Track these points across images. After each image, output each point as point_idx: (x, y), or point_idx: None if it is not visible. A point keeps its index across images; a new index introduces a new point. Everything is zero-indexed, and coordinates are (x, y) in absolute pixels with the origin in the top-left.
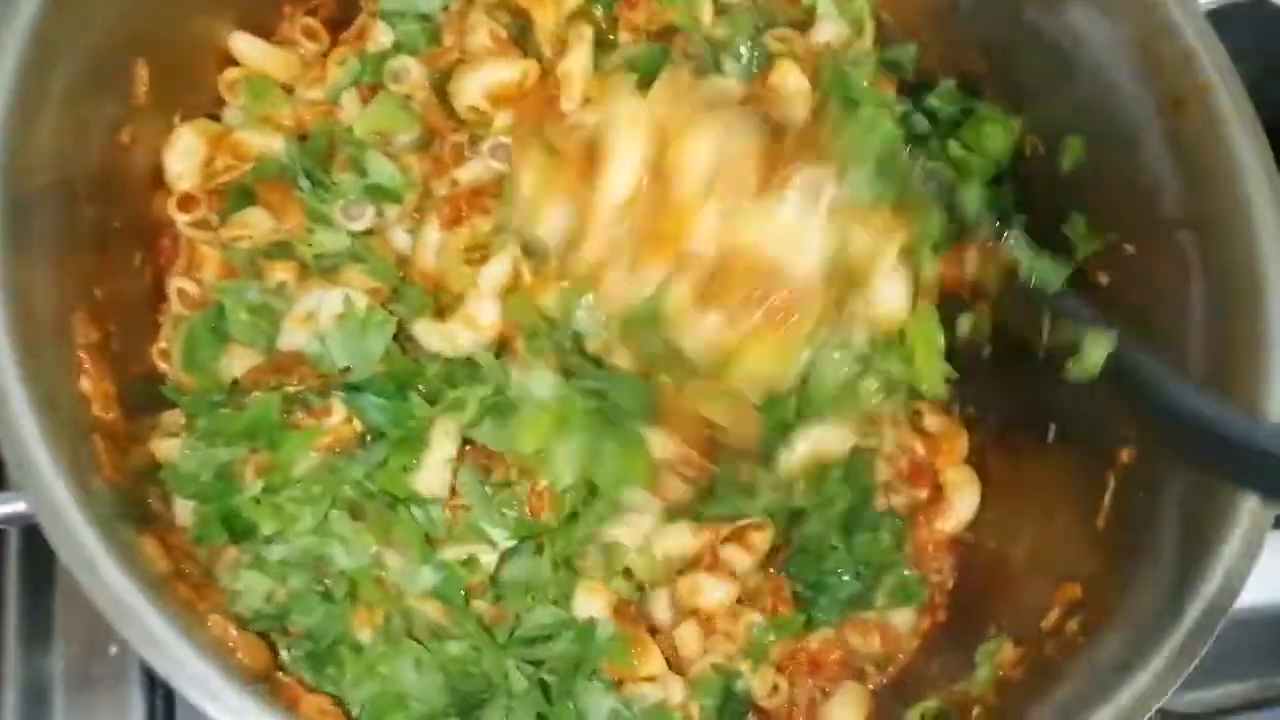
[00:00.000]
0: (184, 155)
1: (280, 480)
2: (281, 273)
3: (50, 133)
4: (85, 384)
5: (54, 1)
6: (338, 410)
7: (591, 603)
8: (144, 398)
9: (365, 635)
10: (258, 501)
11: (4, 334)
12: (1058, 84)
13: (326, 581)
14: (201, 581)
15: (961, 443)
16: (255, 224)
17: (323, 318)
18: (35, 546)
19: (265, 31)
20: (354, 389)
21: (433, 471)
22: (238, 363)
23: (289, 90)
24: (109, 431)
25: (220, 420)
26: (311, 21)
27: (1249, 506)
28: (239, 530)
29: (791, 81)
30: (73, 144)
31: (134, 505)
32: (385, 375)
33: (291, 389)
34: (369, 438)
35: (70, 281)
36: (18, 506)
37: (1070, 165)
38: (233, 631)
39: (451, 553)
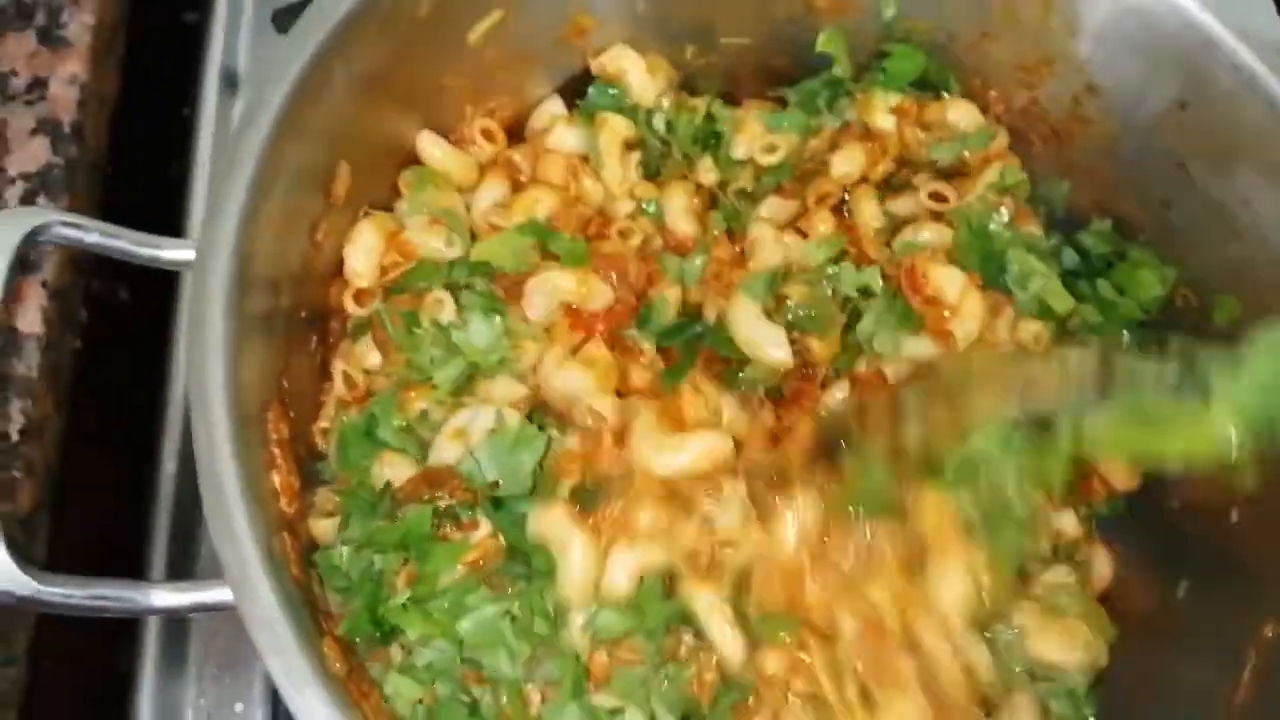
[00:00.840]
0: (365, 251)
1: (427, 591)
2: (419, 401)
3: (267, 233)
4: (276, 478)
5: (284, 119)
6: (484, 525)
7: None
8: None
9: None
10: (405, 608)
11: (225, 429)
12: (1219, 243)
13: (474, 691)
14: (365, 682)
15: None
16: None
17: (474, 433)
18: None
19: (446, 131)
20: (499, 503)
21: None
22: (388, 470)
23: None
24: (293, 527)
25: (375, 531)
26: (489, 123)
27: None
28: (386, 630)
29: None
30: (283, 243)
31: (308, 603)
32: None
33: (443, 503)
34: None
35: (269, 374)
36: (226, 594)
37: (1223, 321)
38: None
39: (602, 699)
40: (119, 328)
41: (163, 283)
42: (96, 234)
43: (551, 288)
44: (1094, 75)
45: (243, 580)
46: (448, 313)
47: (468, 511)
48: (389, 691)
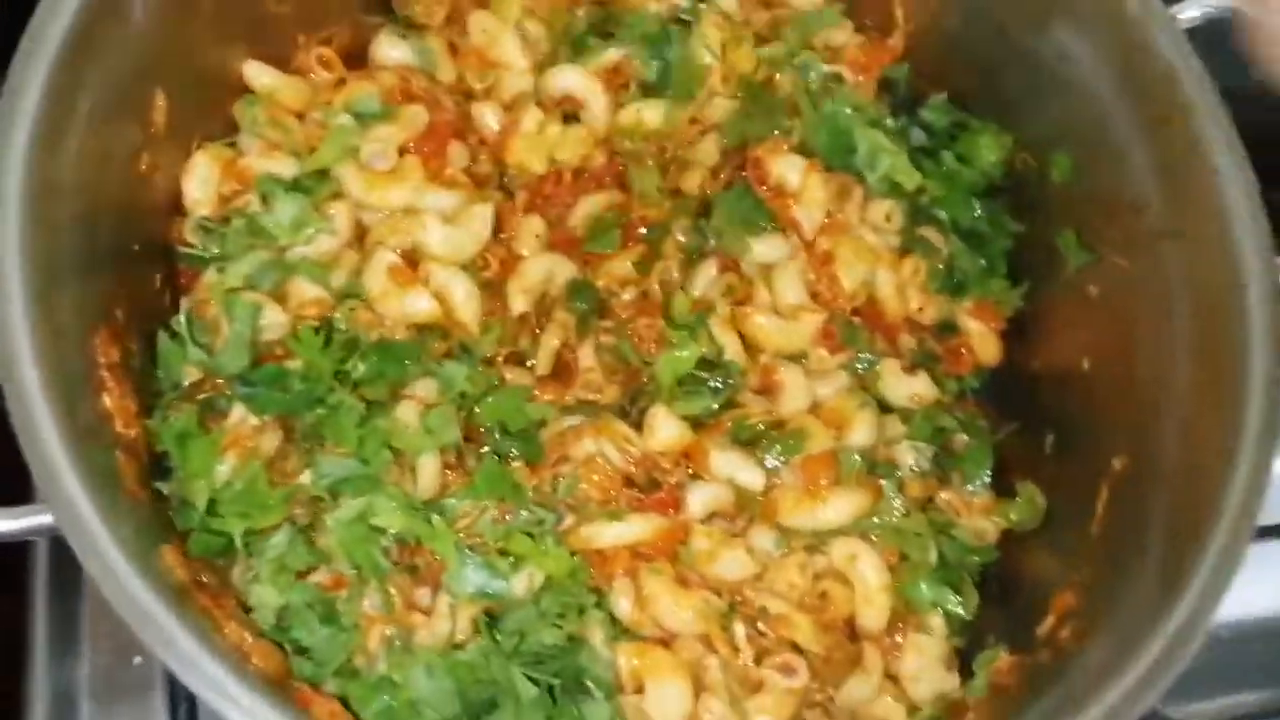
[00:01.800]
0: (201, 182)
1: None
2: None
3: (73, 161)
4: (107, 401)
5: (76, 35)
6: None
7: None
8: None
9: (374, 642)
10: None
11: (29, 353)
12: (1046, 101)
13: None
14: (219, 591)
15: None
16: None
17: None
18: (64, 557)
19: (280, 62)
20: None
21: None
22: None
23: (300, 117)
24: (131, 447)
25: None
26: (325, 51)
27: (1229, 515)
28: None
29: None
30: (94, 172)
31: (155, 517)
32: None
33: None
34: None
35: (92, 303)
36: (44, 519)
37: (1059, 179)
38: (248, 638)
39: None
40: None
41: None
42: None
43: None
44: None
45: (60, 498)
46: (254, 203)
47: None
48: (253, 603)
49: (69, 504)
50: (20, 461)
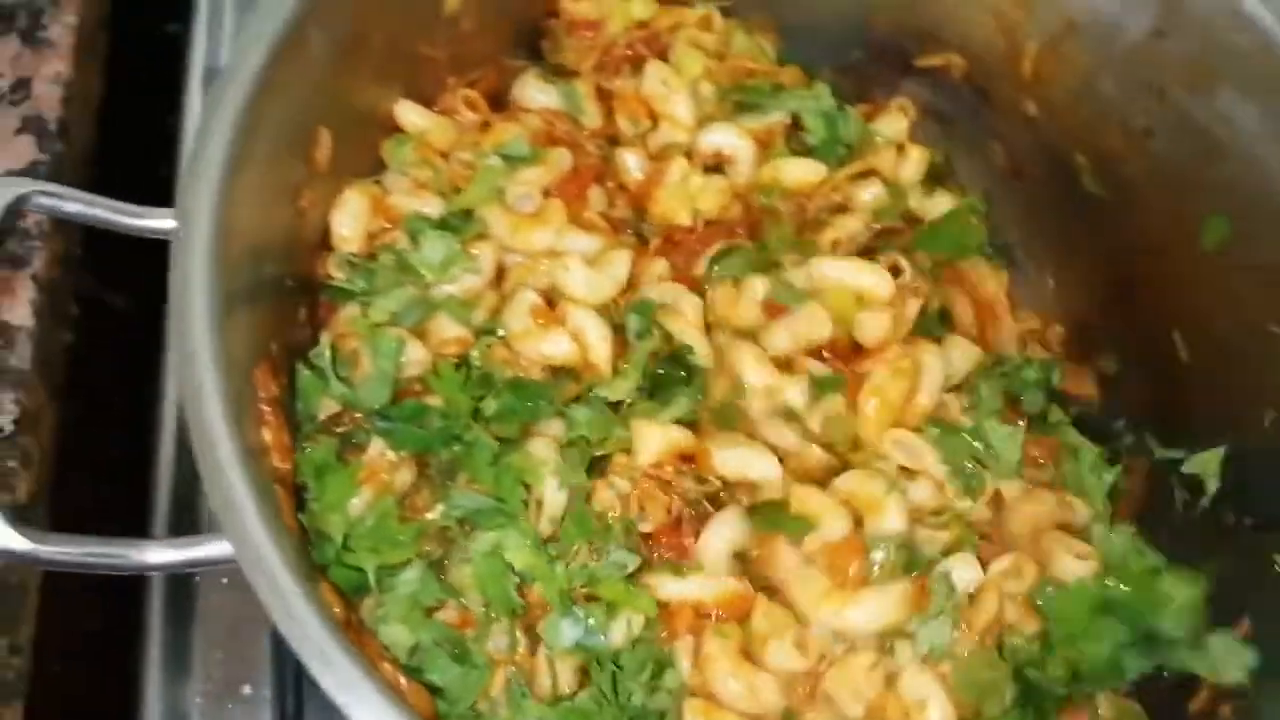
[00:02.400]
0: (351, 218)
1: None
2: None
3: (248, 199)
4: (267, 435)
5: (262, 77)
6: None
7: None
8: None
9: (498, 686)
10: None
11: (213, 386)
12: (1202, 165)
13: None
14: (361, 628)
15: None
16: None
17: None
18: (178, 589)
19: (426, 103)
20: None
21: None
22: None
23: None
24: (285, 480)
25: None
26: (471, 93)
27: None
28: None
29: None
30: (264, 209)
31: (305, 551)
32: None
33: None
34: None
35: (254, 337)
36: (221, 549)
37: (1211, 245)
38: (402, 680)
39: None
40: (111, 323)
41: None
42: (77, 203)
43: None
44: (1072, 12)
45: (238, 528)
46: (402, 240)
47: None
48: (386, 642)
49: (248, 536)
50: (140, 493)
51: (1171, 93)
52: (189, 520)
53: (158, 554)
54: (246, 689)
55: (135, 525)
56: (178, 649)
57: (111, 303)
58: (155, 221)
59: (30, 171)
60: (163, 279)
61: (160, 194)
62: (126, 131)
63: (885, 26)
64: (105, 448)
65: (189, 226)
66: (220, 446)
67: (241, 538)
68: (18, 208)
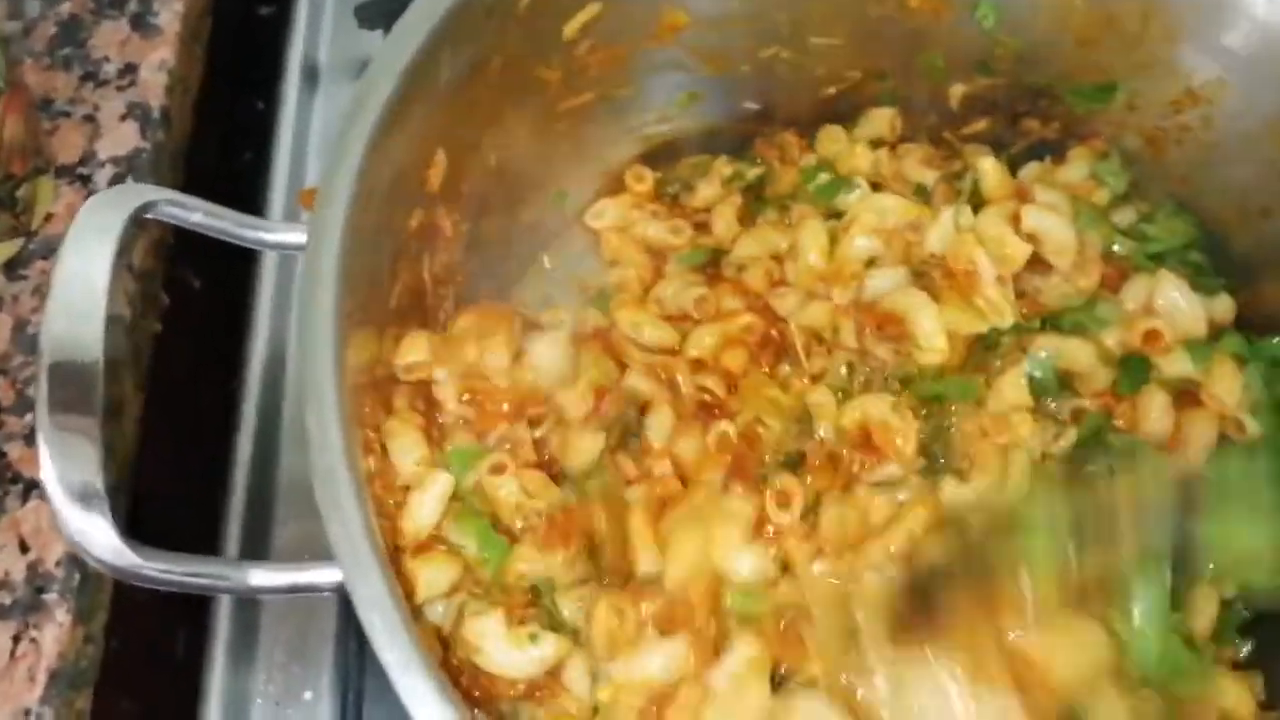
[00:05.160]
0: None
1: None
2: None
3: (371, 220)
4: (371, 463)
5: (394, 101)
6: None
7: None
8: None
9: None
10: None
11: (334, 412)
12: None
13: None
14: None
15: None
16: None
17: None
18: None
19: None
20: None
21: None
22: None
23: None
24: (383, 510)
25: None
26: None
27: None
28: None
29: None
30: (383, 232)
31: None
32: None
33: None
34: None
35: (368, 361)
36: (330, 575)
37: None
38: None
39: None
40: (194, 312)
41: (237, 268)
42: (200, 213)
43: None
44: (1196, 84)
45: (354, 562)
46: None
47: None
48: None
49: (361, 562)
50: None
51: None
52: (262, 532)
53: (260, 577)
54: (308, 694)
55: (209, 527)
56: (243, 649)
57: (189, 282)
58: (282, 235)
59: (133, 158)
60: (233, 259)
61: (248, 186)
62: (216, 115)
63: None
64: (185, 440)
65: (321, 243)
66: (340, 474)
67: (358, 572)
68: (141, 215)
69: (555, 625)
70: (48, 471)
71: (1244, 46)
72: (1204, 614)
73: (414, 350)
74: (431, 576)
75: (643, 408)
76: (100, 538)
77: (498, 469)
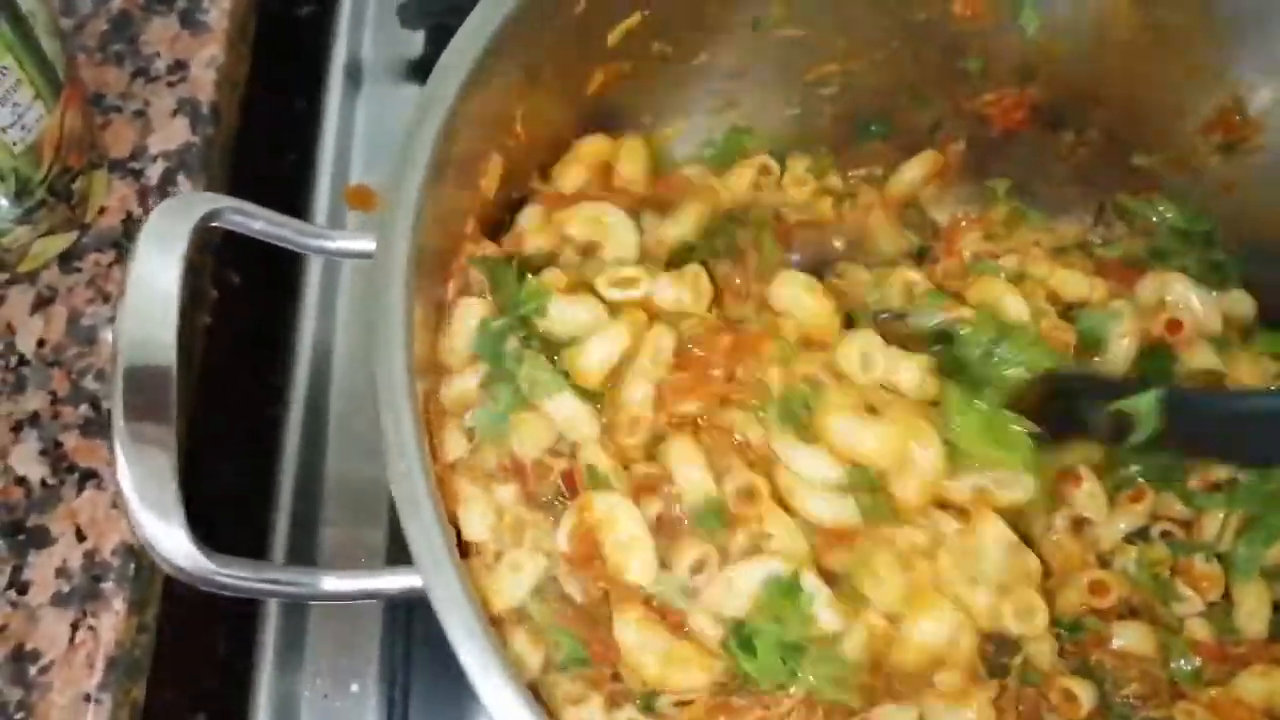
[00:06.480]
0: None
1: None
2: None
3: (429, 226)
4: (437, 468)
5: (458, 110)
6: None
7: None
8: None
9: None
10: None
11: (409, 416)
12: None
13: None
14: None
15: None
16: None
17: None
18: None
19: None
20: None
21: None
22: None
23: None
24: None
25: None
26: None
27: None
28: None
29: None
30: (441, 237)
31: None
32: None
33: None
34: None
35: (425, 367)
36: (404, 581)
37: None
38: None
39: None
40: (241, 308)
41: (281, 265)
42: (263, 222)
43: None
44: (1245, 93)
45: (435, 569)
46: None
47: None
48: None
49: (441, 567)
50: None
51: None
52: (309, 534)
53: (331, 584)
54: (355, 686)
55: (257, 527)
56: (292, 639)
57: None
58: (344, 243)
59: (183, 153)
60: (277, 256)
61: (286, 183)
62: (260, 114)
63: None
64: (230, 434)
65: (390, 250)
66: (417, 479)
67: (439, 576)
68: (207, 224)
69: None
70: (125, 481)
71: None
72: (1256, 616)
73: None
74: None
75: None
76: (176, 546)
77: None
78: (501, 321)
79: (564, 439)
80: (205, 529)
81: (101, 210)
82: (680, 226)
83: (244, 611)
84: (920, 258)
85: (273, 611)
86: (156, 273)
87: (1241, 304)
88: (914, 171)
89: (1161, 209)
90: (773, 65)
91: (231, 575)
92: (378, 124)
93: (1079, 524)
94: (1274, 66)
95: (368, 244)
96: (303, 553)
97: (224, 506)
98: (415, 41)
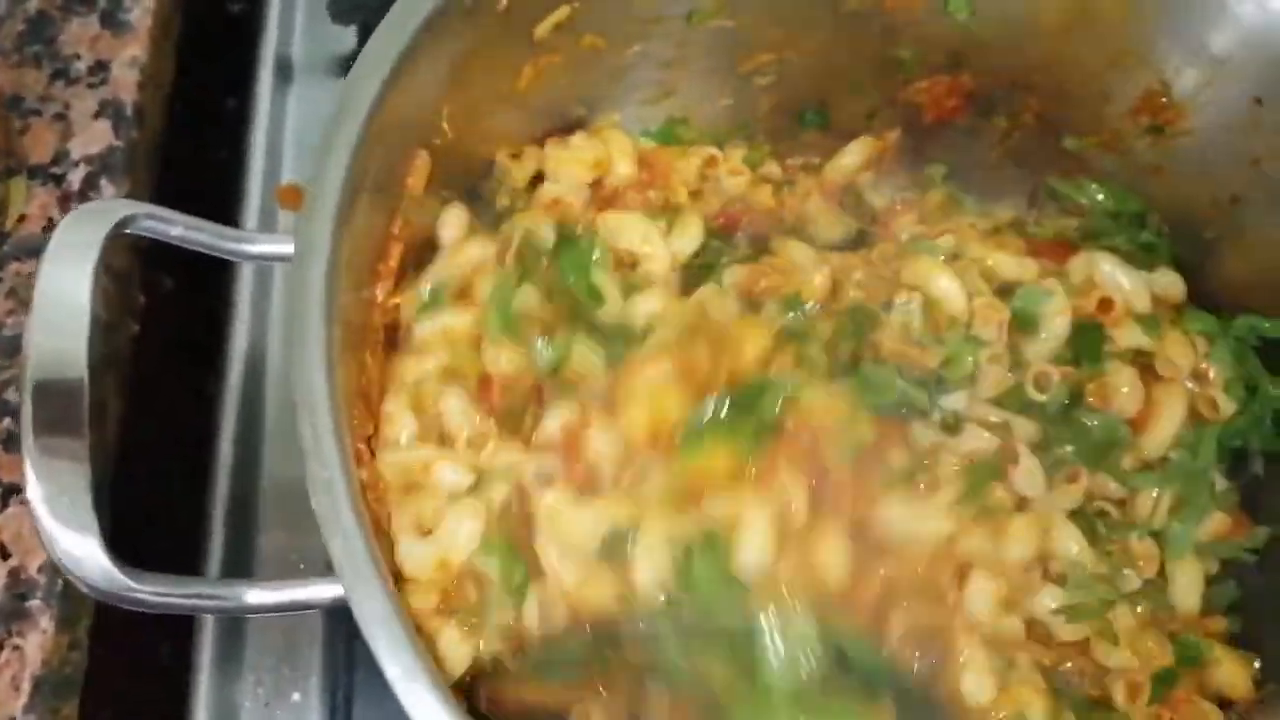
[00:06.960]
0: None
1: None
2: None
3: (357, 231)
4: (363, 474)
5: (378, 111)
6: None
7: None
8: None
9: None
10: None
11: (328, 425)
12: None
13: None
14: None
15: None
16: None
17: None
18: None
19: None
20: None
21: None
22: None
23: None
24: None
25: None
26: None
27: None
28: None
29: None
30: (365, 240)
31: None
32: None
33: None
34: None
35: (352, 373)
36: (327, 591)
37: None
38: None
39: None
40: (170, 314)
41: (213, 269)
42: (180, 227)
43: None
44: (1172, 77)
45: (357, 578)
46: None
47: None
48: None
49: (363, 576)
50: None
51: (1266, 163)
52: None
53: (257, 596)
54: (296, 695)
55: (191, 537)
56: (231, 648)
57: (162, 284)
58: (264, 247)
59: (106, 157)
60: (209, 261)
61: (221, 184)
62: (187, 113)
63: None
64: (165, 445)
65: (308, 255)
66: (338, 487)
67: (361, 589)
68: (120, 230)
69: None
70: (35, 496)
71: (1223, 41)
72: (1189, 591)
73: None
74: None
75: None
76: (91, 562)
77: None
78: None
79: None
80: (135, 541)
81: (21, 218)
82: (686, 238)
83: (182, 621)
84: (858, 243)
85: (210, 621)
86: (67, 284)
87: (1171, 283)
88: (851, 158)
89: (1093, 190)
90: (708, 55)
91: (150, 591)
92: (309, 122)
93: (1021, 503)
94: (1199, 50)
95: (290, 247)
96: (240, 562)
97: (157, 517)
98: (347, 37)
